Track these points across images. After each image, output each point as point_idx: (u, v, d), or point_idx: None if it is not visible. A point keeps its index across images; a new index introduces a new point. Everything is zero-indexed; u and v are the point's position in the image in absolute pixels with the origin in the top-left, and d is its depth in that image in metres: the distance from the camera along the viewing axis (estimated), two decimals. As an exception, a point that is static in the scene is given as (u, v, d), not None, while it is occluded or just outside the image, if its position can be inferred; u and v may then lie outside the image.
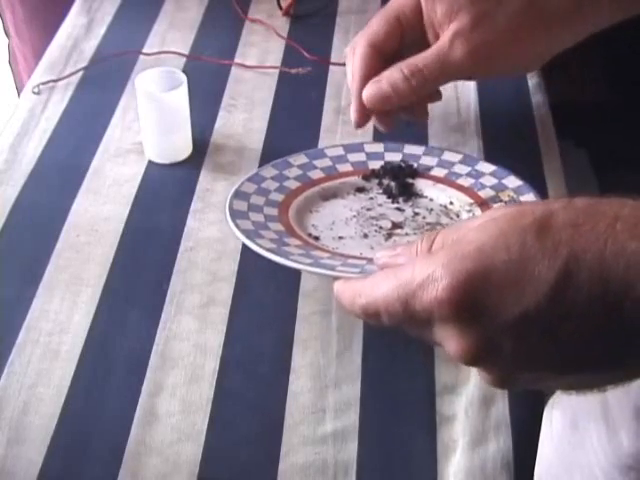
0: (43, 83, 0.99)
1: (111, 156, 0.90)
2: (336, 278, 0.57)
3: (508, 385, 0.50)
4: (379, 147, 0.81)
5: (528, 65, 0.83)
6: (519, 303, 0.45)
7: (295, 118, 0.96)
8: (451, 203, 0.76)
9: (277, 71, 1.02)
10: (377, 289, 0.50)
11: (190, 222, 0.82)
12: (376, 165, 0.80)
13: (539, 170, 0.87)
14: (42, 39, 1.13)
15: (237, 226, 0.69)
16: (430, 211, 0.75)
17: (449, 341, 0.48)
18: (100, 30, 1.10)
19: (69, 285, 0.76)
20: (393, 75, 0.77)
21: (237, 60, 1.04)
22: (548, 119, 0.94)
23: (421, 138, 0.91)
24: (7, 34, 1.42)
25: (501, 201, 0.73)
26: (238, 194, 0.74)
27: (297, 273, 0.76)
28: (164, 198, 0.86)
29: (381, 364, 0.70)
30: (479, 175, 0.77)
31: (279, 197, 0.75)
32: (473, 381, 0.68)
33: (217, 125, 0.94)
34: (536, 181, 0.86)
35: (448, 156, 0.80)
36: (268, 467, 0.63)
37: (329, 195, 0.77)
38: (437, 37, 0.77)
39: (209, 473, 0.63)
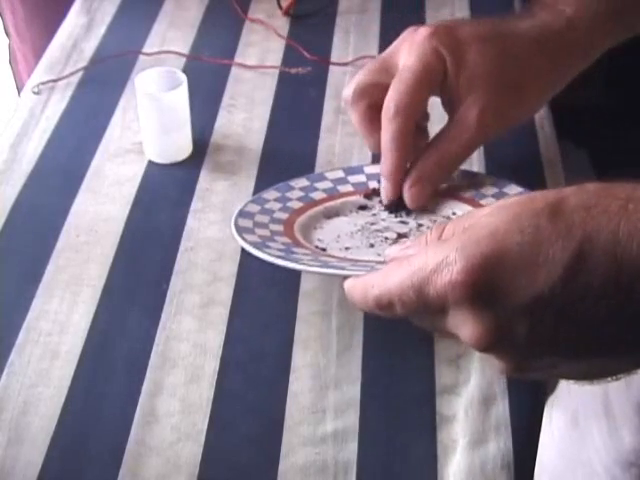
0: (43, 83, 0.99)
1: (111, 156, 0.90)
2: (345, 279, 0.56)
3: (522, 372, 0.49)
4: (378, 168, 0.80)
5: (545, 103, 0.85)
6: (533, 285, 0.45)
7: (295, 118, 0.96)
8: (454, 213, 0.75)
9: (277, 71, 1.02)
10: (390, 278, 0.50)
11: (190, 222, 0.82)
12: (376, 185, 0.79)
13: (539, 171, 0.87)
14: (42, 39, 1.13)
15: (244, 239, 0.69)
16: (434, 222, 0.75)
17: (463, 327, 0.48)
18: (100, 30, 1.10)
19: (69, 285, 0.76)
20: (431, 171, 0.75)
21: (237, 60, 1.04)
22: (548, 120, 0.94)
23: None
24: (7, 34, 1.42)
25: None
26: (242, 213, 0.74)
27: (297, 273, 0.76)
28: (164, 198, 0.86)
29: (381, 364, 0.70)
30: (479, 185, 0.77)
31: (283, 215, 0.75)
32: (473, 381, 0.68)
33: (217, 125, 0.94)
34: (536, 182, 0.86)
35: None
36: (268, 467, 0.63)
37: (332, 214, 0.77)
38: (453, 100, 0.75)
39: (209, 473, 0.63)
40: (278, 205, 0.77)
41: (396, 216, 0.76)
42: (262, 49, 1.06)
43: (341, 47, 1.06)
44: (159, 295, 0.75)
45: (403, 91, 0.73)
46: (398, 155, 0.74)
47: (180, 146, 0.89)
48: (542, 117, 0.94)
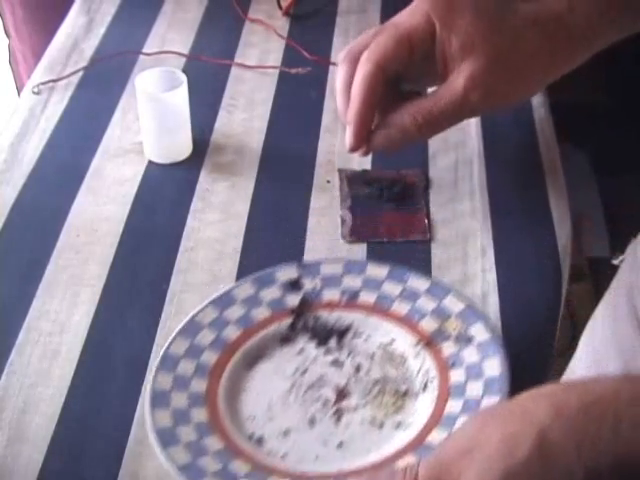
0: (43, 83, 0.99)
1: (111, 156, 0.90)
2: None
3: None
4: (292, 272, 0.73)
5: (539, 89, 0.82)
6: None
7: (295, 118, 0.96)
8: (392, 340, 0.69)
9: (277, 71, 1.02)
10: None
11: (190, 222, 0.82)
12: (294, 300, 0.71)
13: (539, 171, 0.87)
14: (42, 39, 1.13)
15: (171, 460, 0.60)
16: (372, 358, 0.67)
17: None
18: (100, 30, 1.10)
19: (69, 285, 0.76)
20: (404, 122, 0.72)
21: (237, 60, 1.04)
22: (548, 120, 0.94)
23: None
24: (7, 34, 1.42)
25: (449, 337, 0.67)
26: (153, 399, 0.64)
27: (297, 273, 0.76)
28: (164, 198, 0.85)
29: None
30: (414, 296, 0.70)
31: (201, 385, 0.65)
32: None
33: (217, 125, 0.94)
34: (536, 182, 0.86)
35: (372, 271, 0.73)
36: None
37: (252, 358, 0.68)
38: (446, 67, 0.72)
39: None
40: (190, 365, 0.66)
41: (326, 352, 0.68)
42: (262, 49, 1.06)
43: (341, 47, 1.05)
44: (159, 295, 0.75)
45: (380, 41, 0.73)
46: (362, 99, 0.72)
47: (180, 146, 0.89)
48: (542, 119, 0.94)
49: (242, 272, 0.77)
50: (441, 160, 0.89)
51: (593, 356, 0.81)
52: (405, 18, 0.74)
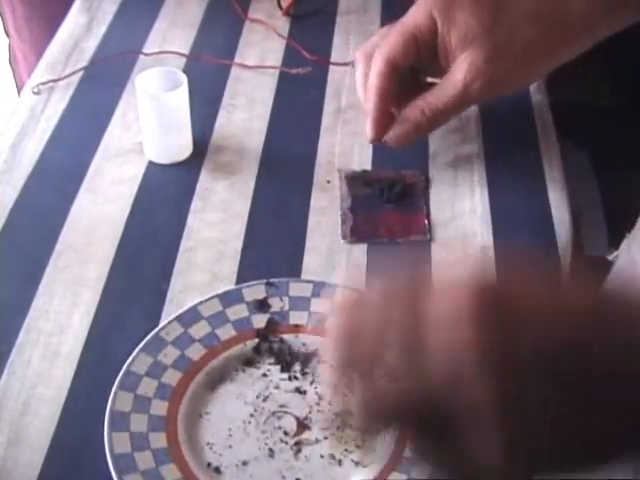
0: (43, 83, 0.99)
1: (111, 156, 0.90)
2: None
3: None
4: (260, 291, 0.72)
5: (539, 78, 0.87)
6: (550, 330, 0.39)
7: (295, 118, 0.96)
8: None
9: (277, 71, 1.02)
10: None
11: (190, 222, 0.82)
12: (261, 320, 0.70)
13: (539, 170, 0.87)
14: (42, 38, 1.13)
15: None
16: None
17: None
18: (100, 29, 1.09)
19: (69, 285, 0.76)
20: (416, 116, 0.79)
21: (237, 60, 1.04)
22: (548, 119, 0.94)
23: (421, 139, 0.91)
24: (7, 34, 1.42)
25: None
26: (115, 419, 0.63)
27: (296, 271, 0.76)
28: (164, 198, 0.85)
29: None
30: None
31: (161, 408, 0.64)
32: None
33: (217, 125, 0.94)
34: (536, 181, 0.86)
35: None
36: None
37: (215, 380, 0.67)
38: (448, 60, 0.78)
39: (209, 474, 0.63)
40: (152, 385, 0.65)
41: (290, 377, 0.67)
42: (262, 49, 1.06)
43: (341, 47, 1.06)
44: (159, 295, 0.75)
45: (389, 39, 0.80)
46: (376, 94, 0.80)
47: (180, 146, 0.89)
48: (542, 116, 0.94)
49: (242, 272, 0.77)
50: (441, 160, 0.89)
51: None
52: (410, 17, 0.79)
